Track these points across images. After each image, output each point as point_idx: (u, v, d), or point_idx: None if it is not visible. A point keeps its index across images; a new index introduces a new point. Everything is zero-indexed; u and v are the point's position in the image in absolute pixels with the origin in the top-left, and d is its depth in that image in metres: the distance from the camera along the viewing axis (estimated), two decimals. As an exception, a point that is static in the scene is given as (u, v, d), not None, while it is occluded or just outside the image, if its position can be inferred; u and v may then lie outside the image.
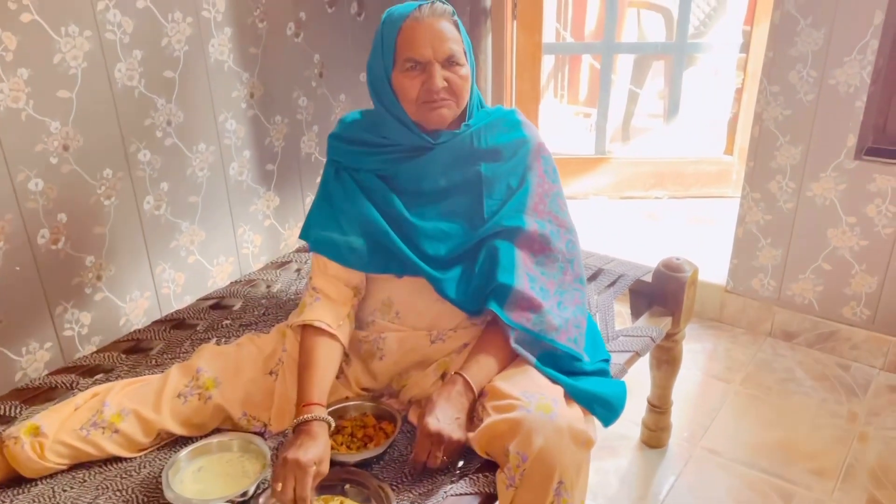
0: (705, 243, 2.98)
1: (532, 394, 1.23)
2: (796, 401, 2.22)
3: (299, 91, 2.20)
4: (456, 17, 1.33)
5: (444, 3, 1.32)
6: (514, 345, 1.33)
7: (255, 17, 2.00)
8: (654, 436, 2.01)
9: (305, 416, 1.25)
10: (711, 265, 2.63)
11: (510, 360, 1.35)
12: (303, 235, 1.46)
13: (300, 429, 1.24)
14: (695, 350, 2.47)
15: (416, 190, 1.39)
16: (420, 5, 1.30)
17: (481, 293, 1.35)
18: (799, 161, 2.28)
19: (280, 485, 1.15)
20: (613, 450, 2.03)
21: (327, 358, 1.35)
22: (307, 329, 1.37)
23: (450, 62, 1.30)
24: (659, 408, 1.97)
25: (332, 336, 1.36)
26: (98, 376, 1.57)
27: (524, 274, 1.34)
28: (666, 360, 1.87)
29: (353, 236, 1.40)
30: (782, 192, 2.35)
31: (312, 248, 1.43)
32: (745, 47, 3.21)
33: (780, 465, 1.95)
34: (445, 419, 1.23)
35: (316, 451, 1.20)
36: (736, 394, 2.26)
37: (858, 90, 2.11)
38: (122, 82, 1.71)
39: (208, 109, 1.94)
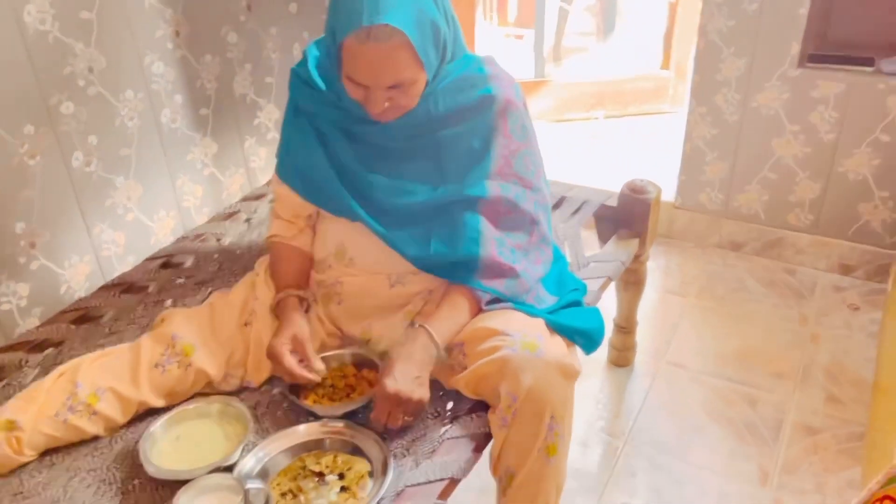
0: (648, 160, 3.00)
1: (515, 332, 1.21)
2: (749, 308, 2.29)
3: (227, 27, 2.03)
4: (410, 37, 1.11)
5: (397, 24, 1.09)
6: (485, 307, 1.31)
7: (173, -54, 1.82)
8: (622, 355, 2.05)
9: (280, 296, 1.35)
10: (657, 182, 2.64)
11: (480, 307, 1.32)
12: (277, 154, 1.46)
13: (275, 315, 1.35)
14: (649, 268, 2.49)
15: (374, 146, 1.32)
16: (362, 27, 1.09)
17: (442, 261, 1.30)
18: (744, 72, 2.28)
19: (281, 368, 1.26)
20: (584, 373, 2.04)
21: (289, 256, 1.43)
22: (270, 245, 1.46)
23: (394, 87, 1.16)
24: (625, 328, 2.00)
25: (288, 245, 1.43)
26: (48, 351, 1.46)
27: (491, 240, 1.29)
28: (633, 281, 1.88)
29: (308, 179, 1.36)
30: (728, 104, 2.36)
31: (277, 174, 1.43)
32: (678, -42, 3.17)
33: (742, 371, 2.03)
34: (404, 379, 1.20)
35: (287, 330, 1.28)
36: (692, 307, 2.31)
37: (801, -3, 2.11)
38: (33, 27, 1.53)
39: (132, 52, 1.77)
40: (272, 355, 1.26)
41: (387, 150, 1.32)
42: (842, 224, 2.35)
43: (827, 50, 2.19)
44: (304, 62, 1.34)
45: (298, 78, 1.34)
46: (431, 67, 1.19)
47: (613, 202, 1.80)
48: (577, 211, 1.81)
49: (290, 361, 1.24)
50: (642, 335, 2.13)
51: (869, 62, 2.13)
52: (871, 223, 2.30)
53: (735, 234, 2.54)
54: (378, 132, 1.30)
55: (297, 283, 1.39)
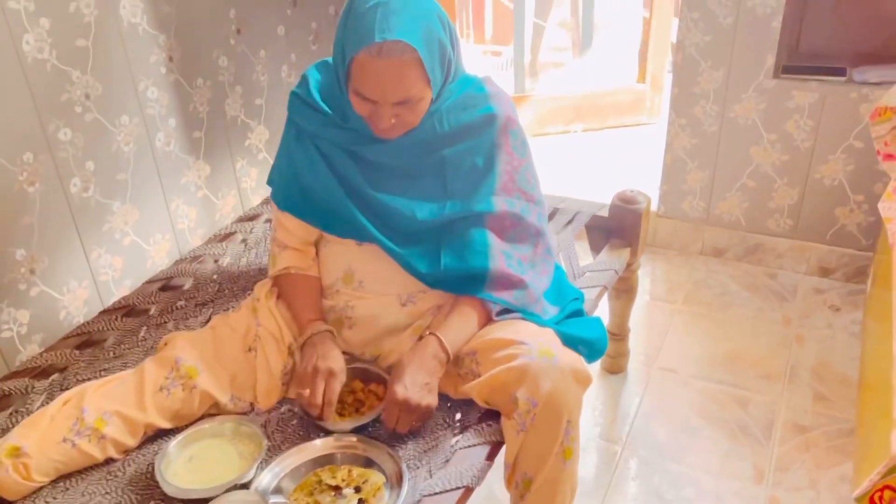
0: (628, 171, 3.06)
1: (530, 340, 1.25)
2: (735, 312, 2.35)
3: (218, 50, 2.06)
4: (420, 54, 1.15)
5: (409, 40, 1.14)
6: (495, 318, 1.35)
7: (165, -27, 1.84)
8: (615, 362, 2.09)
9: (314, 328, 1.34)
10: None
11: (489, 317, 1.36)
12: (269, 182, 1.47)
13: (313, 341, 1.33)
14: (636, 276, 2.56)
15: (379, 166, 1.35)
16: (374, 43, 1.13)
17: (452, 276, 1.33)
18: (721, 84, 2.36)
19: (308, 391, 1.25)
20: (578, 381, 2.09)
21: (309, 287, 1.43)
22: (282, 276, 1.44)
23: (402, 103, 1.20)
24: (618, 335, 2.05)
25: (306, 275, 1.43)
26: (53, 377, 1.47)
27: (499, 253, 1.33)
28: (625, 289, 1.93)
29: (313, 202, 1.38)
30: (706, 115, 2.43)
31: (276, 203, 1.44)
32: (651, -26, 3.26)
33: (732, 374, 2.08)
34: (414, 385, 1.23)
35: (332, 362, 1.29)
36: (680, 313, 2.37)
37: (775, 11, 2.19)
38: (31, 56, 1.54)
39: (127, 78, 1.79)
40: (320, 373, 1.27)
41: (392, 168, 1.35)
42: (820, 228, 2.43)
43: (800, 61, 2.28)
44: (304, 84, 1.37)
45: (299, 100, 1.36)
46: (437, 86, 1.23)
47: (605, 213, 1.85)
48: (569, 222, 1.85)
49: (334, 391, 1.27)
50: (633, 342, 2.18)
51: (841, 72, 2.22)
52: (847, 227, 2.38)
53: (717, 241, 2.61)
54: (384, 151, 1.32)
55: (321, 314, 1.40)
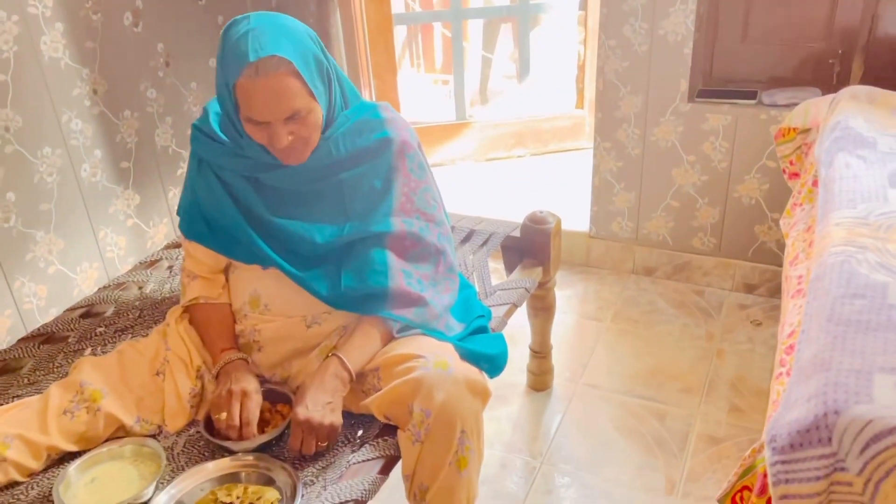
0: (568, 194, 3.14)
1: (428, 353, 1.29)
2: (661, 329, 2.41)
3: (146, 83, 2.11)
4: (296, 66, 1.20)
5: (282, 54, 1.19)
6: (396, 335, 1.39)
7: (88, 10, 1.89)
8: (539, 379, 2.14)
9: (227, 357, 1.39)
10: (575, 214, 2.79)
11: (391, 335, 1.40)
12: (178, 213, 1.51)
13: (227, 369, 1.38)
14: (567, 295, 2.62)
15: (279, 191, 1.40)
16: (250, 63, 1.18)
17: (353, 296, 1.38)
18: (641, 109, 2.45)
19: (224, 414, 1.29)
20: (504, 398, 2.14)
21: (221, 316, 1.46)
22: (193, 307, 1.47)
23: (292, 118, 1.24)
24: (540, 353, 2.10)
25: (216, 304, 1.47)
26: (-35, 404, 1.48)
27: (399, 272, 1.38)
28: (542, 307, 1.98)
29: (217, 230, 1.42)
30: (629, 139, 2.52)
31: (183, 233, 1.47)
32: (584, 4, 3.37)
33: (653, 389, 2.14)
34: (315, 406, 1.27)
35: (252, 382, 1.35)
36: (608, 330, 2.43)
37: (685, 38, 2.28)
38: (-54, 90, 1.59)
39: (49, 111, 1.83)
40: (234, 395, 1.31)
41: (292, 194, 1.40)
42: (742, 245, 2.51)
43: (713, 85, 2.38)
44: (205, 117, 1.42)
45: (201, 132, 1.41)
46: (322, 98, 1.28)
47: (517, 233, 1.91)
48: (484, 243, 1.91)
49: (250, 410, 1.31)
50: (561, 360, 2.23)
51: (752, 95, 2.31)
52: (767, 243, 2.47)
53: (647, 260, 2.69)
54: (283, 177, 1.38)
55: (233, 343, 1.44)
